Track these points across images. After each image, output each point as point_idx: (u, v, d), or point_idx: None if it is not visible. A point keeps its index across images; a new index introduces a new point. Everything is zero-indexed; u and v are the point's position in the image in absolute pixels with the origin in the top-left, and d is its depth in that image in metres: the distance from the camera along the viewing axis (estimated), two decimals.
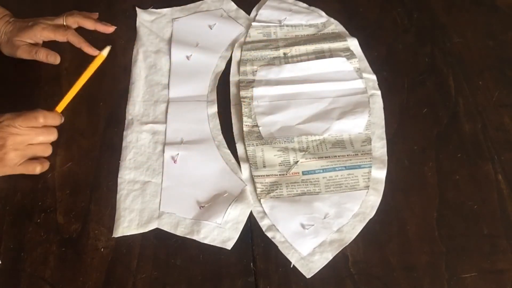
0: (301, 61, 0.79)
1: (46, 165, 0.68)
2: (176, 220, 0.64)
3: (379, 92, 0.75)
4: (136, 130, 0.72)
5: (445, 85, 0.77)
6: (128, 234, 0.63)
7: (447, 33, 0.83)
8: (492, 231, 0.63)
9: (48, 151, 0.68)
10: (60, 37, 0.79)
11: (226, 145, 0.71)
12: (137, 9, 0.86)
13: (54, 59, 0.78)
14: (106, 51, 0.76)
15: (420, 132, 0.72)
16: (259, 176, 0.67)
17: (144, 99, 0.76)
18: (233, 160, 0.70)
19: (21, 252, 0.62)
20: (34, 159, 0.67)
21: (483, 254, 0.61)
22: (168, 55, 0.81)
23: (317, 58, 0.79)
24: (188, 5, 0.88)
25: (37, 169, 0.67)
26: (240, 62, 0.80)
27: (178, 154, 0.70)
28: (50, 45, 0.79)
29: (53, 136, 0.68)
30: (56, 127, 0.68)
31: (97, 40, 0.80)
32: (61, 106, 0.71)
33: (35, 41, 0.78)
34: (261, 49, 0.81)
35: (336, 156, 0.68)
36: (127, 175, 0.68)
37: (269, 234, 0.63)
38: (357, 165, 0.68)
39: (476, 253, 0.61)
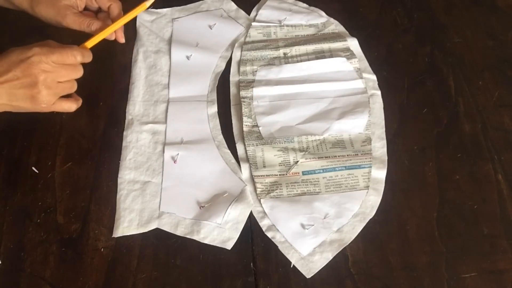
0: (301, 61, 0.78)
1: (80, 102, 0.65)
2: (176, 220, 0.64)
3: (379, 92, 0.75)
4: (136, 130, 0.72)
5: (445, 85, 0.77)
6: (128, 234, 0.63)
7: (447, 33, 0.83)
8: (492, 231, 0.63)
9: (74, 87, 0.64)
10: None
11: (226, 145, 0.71)
12: None
13: (110, 35, 0.70)
14: (149, 2, 0.70)
15: (420, 132, 0.72)
16: (259, 176, 0.67)
17: (144, 99, 0.76)
18: (233, 160, 0.70)
19: (21, 252, 0.62)
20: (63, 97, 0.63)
21: (483, 254, 0.61)
22: (168, 55, 0.81)
23: (317, 58, 0.79)
24: (188, 5, 0.88)
25: (73, 107, 0.63)
26: (240, 62, 0.80)
27: (178, 154, 0.70)
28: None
29: (80, 72, 0.63)
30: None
31: None
32: (91, 43, 0.66)
33: None
34: (261, 49, 0.81)
35: (336, 156, 0.68)
36: (127, 175, 0.68)
37: (269, 234, 0.63)
38: (357, 165, 0.68)
39: (476, 253, 0.61)
